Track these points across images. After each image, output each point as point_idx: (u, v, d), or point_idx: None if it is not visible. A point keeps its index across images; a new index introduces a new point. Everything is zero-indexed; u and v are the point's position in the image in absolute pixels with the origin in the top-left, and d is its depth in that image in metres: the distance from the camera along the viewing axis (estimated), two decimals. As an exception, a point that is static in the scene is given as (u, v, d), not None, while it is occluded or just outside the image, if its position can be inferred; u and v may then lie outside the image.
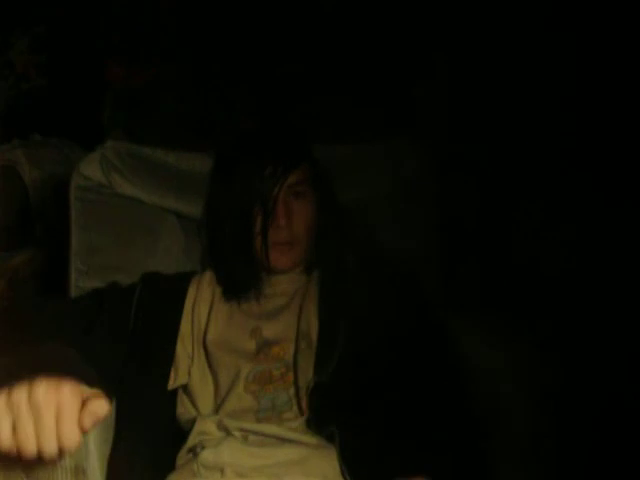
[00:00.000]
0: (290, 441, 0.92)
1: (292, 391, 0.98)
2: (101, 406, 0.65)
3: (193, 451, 0.95)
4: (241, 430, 0.93)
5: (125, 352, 1.03)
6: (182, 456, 0.96)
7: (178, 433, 1.00)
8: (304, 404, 0.96)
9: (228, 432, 0.94)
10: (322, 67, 1.87)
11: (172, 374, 1.02)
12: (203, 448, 0.92)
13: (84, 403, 0.66)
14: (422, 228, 1.30)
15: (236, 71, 2.01)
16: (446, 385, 0.96)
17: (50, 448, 0.65)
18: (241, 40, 1.99)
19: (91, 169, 1.22)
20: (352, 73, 1.80)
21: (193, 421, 0.99)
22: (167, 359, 1.03)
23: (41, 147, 2.01)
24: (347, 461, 0.88)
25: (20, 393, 0.66)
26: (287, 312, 1.05)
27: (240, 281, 1.08)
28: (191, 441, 0.96)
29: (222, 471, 0.88)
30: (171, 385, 1.02)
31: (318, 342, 0.99)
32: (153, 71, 2.08)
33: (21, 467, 0.76)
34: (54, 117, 2.14)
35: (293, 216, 1.05)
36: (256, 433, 0.93)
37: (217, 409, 0.99)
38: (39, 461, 0.67)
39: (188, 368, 1.03)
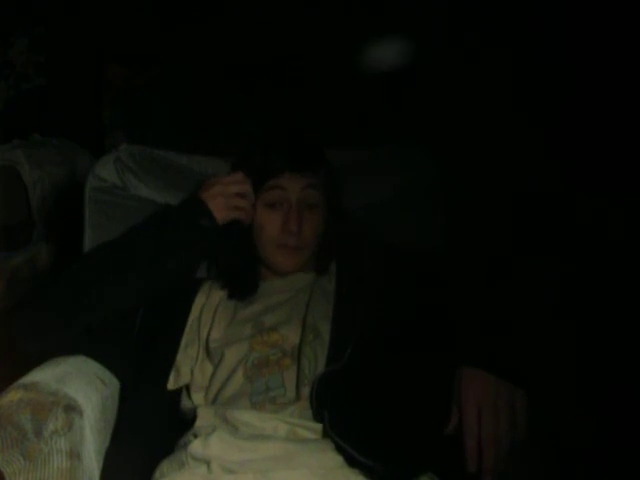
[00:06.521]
0: (278, 436, 0.93)
1: (287, 375, 1.00)
2: None
3: (186, 440, 0.96)
4: (234, 419, 0.94)
5: (130, 348, 1.06)
6: (178, 444, 0.97)
7: (180, 424, 1.01)
8: (304, 391, 0.97)
9: (223, 420, 0.95)
10: (323, 69, 1.89)
11: (173, 377, 1.04)
12: (195, 437, 0.93)
13: None
14: (424, 232, 1.32)
15: (236, 72, 2.02)
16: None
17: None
18: (241, 40, 2.00)
19: (106, 171, 1.24)
20: (355, 77, 1.82)
21: (194, 411, 1.00)
22: (168, 361, 1.05)
23: (41, 147, 2.01)
24: (350, 443, 0.89)
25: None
26: (290, 305, 1.08)
27: (245, 280, 1.12)
28: (188, 430, 0.98)
29: (208, 465, 0.88)
30: (172, 386, 1.04)
31: (332, 334, 1.02)
32: (153, 72, 2.09)
33: (19, 450, 0.80)
34: (54, 117, 2.13)
35: (304, 223, 1.09)
36: (248, 423, 0.94)
37: (215, 398, 1.01)
38: None
39: (191, 369, 1.05)
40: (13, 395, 0.85)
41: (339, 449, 0.89)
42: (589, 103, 1.45)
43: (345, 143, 1.39)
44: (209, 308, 1.11)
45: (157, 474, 0.92)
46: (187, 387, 1.05)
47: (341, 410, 0.93)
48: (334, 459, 0.89)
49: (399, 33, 1.81)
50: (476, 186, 1.54)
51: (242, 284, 1.12)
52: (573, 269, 1.25)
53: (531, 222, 1.46)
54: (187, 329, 1.09)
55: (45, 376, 0.90)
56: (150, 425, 0.99)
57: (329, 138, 1.24)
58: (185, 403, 1.04)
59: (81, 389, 0.91)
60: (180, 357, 1.06)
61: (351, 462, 0.88)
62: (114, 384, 1.04)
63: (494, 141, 1.56)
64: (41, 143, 2.04)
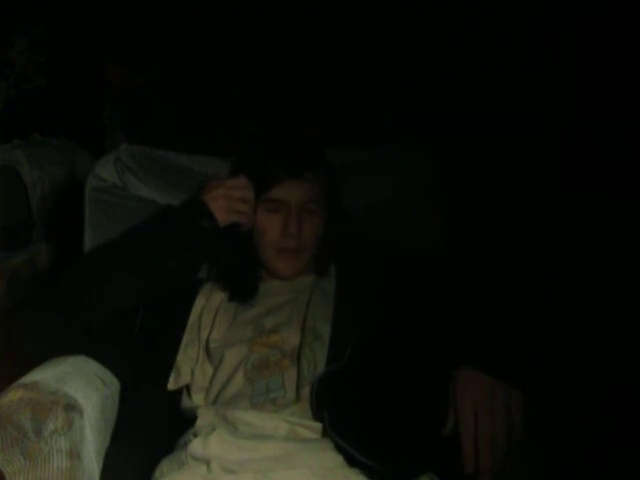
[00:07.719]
0: (278, 436, 0.93)
1: (287, 376, 1.00)
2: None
3: (186, 439, 0.96)
4: (234, 418, 0.95)
5: (130, 348, 1.06)
6: (178, 444, 0.97)
7: (180, 424, 1.01)
8: (304, 392, 0.98)
9: (223, 420, 0.95)
10: (323, 69, 1.89)
11: (173, 377, 1.05)
12: (195, 437, 0.93)
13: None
14: (424, 232, 1.32)
15: (236, 72, 2.02)
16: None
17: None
18: (241, 40, 2.00)
19: (106, 171, 1.24)
20: (355, 77, 1.83)
21: (194, 410, 1.00)
22: (168, 361, 1.06)
23: (41, 147, 2.01)
24: (350, 443, 0.90)
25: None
26: (290, 307, 1.09)
27: (246, 282, 1.13)
28: (188, 430, 0.98)
29: (208, 464, 0.88)
30: (172, 386, 1.04)
31: (332, 335, 1.02)
32: (153, 72, 2.09)
33: (19, 450, 0.81)
34: (54, 117, 2.13)
35: (303, 227, 1.10)
36: (248, 422, 0.94)
37: (215, 399, 1.01)
38: None
39: (192, 369, 1.06)
40: (13, 395, 0.84)
41: (339, 449, 0.89)
42: (589, 103, 1.45)
43: (345, 143, 1.40)
44: (209, 310, 1.11)
45: (157, 474, 0.92)
46: (187, 387, 1.05)
47: (341, 410, 0.93)
48: (334, 459, 0.89)
49: (399, 33, 1.81)
50: (476, 186, 1.55)
51: (242, 286, 1.12)
52: (573, 269, 1.25)
53: (531, 222, 1.47)
54: (187, 329, 1.09)
55: (45, 376, 0.90)
56: (150, 425, 0.99)
57: (329, 138, 1.24)
58: (185, 403, 1.04)
59: (81, 389, 0.91)
60: (180, 357, 1.06)
61: (351, 462, 0.88)
62: (114, 384, 1.04)
63: (494, 141, 1.56)
64: (41, 143, 2.03)
